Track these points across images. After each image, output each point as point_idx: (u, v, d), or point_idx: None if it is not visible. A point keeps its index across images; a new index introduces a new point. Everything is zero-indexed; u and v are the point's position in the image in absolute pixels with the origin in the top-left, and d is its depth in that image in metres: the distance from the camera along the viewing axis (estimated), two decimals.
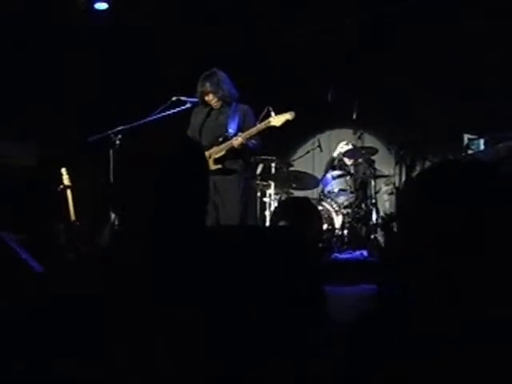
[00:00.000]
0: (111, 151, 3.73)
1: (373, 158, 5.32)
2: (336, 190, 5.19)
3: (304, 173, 5.30)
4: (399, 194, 4.66)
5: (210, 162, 3.79)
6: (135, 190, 1.08)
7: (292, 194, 5.34)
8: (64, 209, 4.67)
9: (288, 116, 3.79)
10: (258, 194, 5.38)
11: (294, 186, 5.27)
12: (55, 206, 4.77)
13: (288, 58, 6.08)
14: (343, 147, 5.52)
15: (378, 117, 5.79)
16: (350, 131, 5.59)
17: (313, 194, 5.60)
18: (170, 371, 0.91)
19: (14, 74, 5.21)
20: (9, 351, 0.96)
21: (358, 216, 5.11)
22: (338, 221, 4.95)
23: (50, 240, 4.47)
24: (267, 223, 4.99)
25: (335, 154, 5.65)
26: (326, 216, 4.85)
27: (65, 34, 5.40)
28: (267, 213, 5.15)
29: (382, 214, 5.13)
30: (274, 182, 5.18)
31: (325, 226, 4.76)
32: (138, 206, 1.07)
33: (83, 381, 0.92)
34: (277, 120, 3.79)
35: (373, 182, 5.09)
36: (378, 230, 4.90)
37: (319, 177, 5.42)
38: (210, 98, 3.90)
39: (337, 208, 5.04)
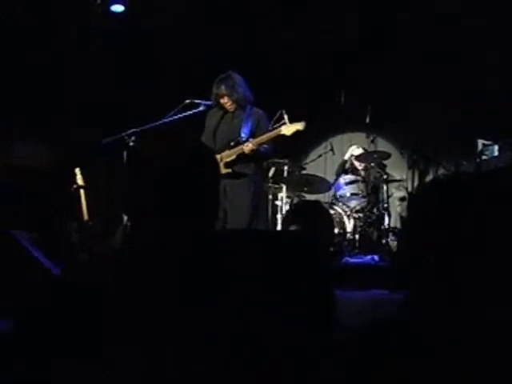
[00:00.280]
0: (125, 153, 3.76)
1: (385, 162, 5.31)
2: (348, 194, 5.19)
3: (316, 176, 5.29)
4: (411, 198, 4.64)
5: (221, 165, 3.81)
6: (146, 193, 1.09)
7: (304, 197, 5.34)
8: (77, 208, 4.71)
9: (299, 126, 3.82)
10: (270, 197, 5.38)
11: (305, 189, 5.26)
12: (68, 205, 4.81)
13: (288, 58, 6.06)
14: (354, 150, 5.53)
15: (391, 120, 5.76)
16: (363, 135, 5.59)
17: (324, 197, 5.59)
18: (178, 372, 0.92)
19: (30, 74, 5.28)
20: (23, 350, 0.98)
21: (369, 220, 5.10)
22: (349, 225, 4.94)
23: (62, 238, 4.51)
24: (279, 226, 5.00)
25: (346, 157, 5.65)
26: (338, 220, 4.85)
27: (81, 36, 5.45)
28: (279, 216, 5.15)
29: (398, 216, 5.12)
30: (285, 185, 5.18)
31: (336, 230, 4.75)
32: (149, 210, 1.09)
33: (99, 381, 0.93)
34: (287, 129, 3.82)
35: (385, 187, 5.07)
36: (390, 234, 4.88)
37: (331, 181, 5.41)
38: (224, 100, 3.90)
39: (348, 212, 5.03)
